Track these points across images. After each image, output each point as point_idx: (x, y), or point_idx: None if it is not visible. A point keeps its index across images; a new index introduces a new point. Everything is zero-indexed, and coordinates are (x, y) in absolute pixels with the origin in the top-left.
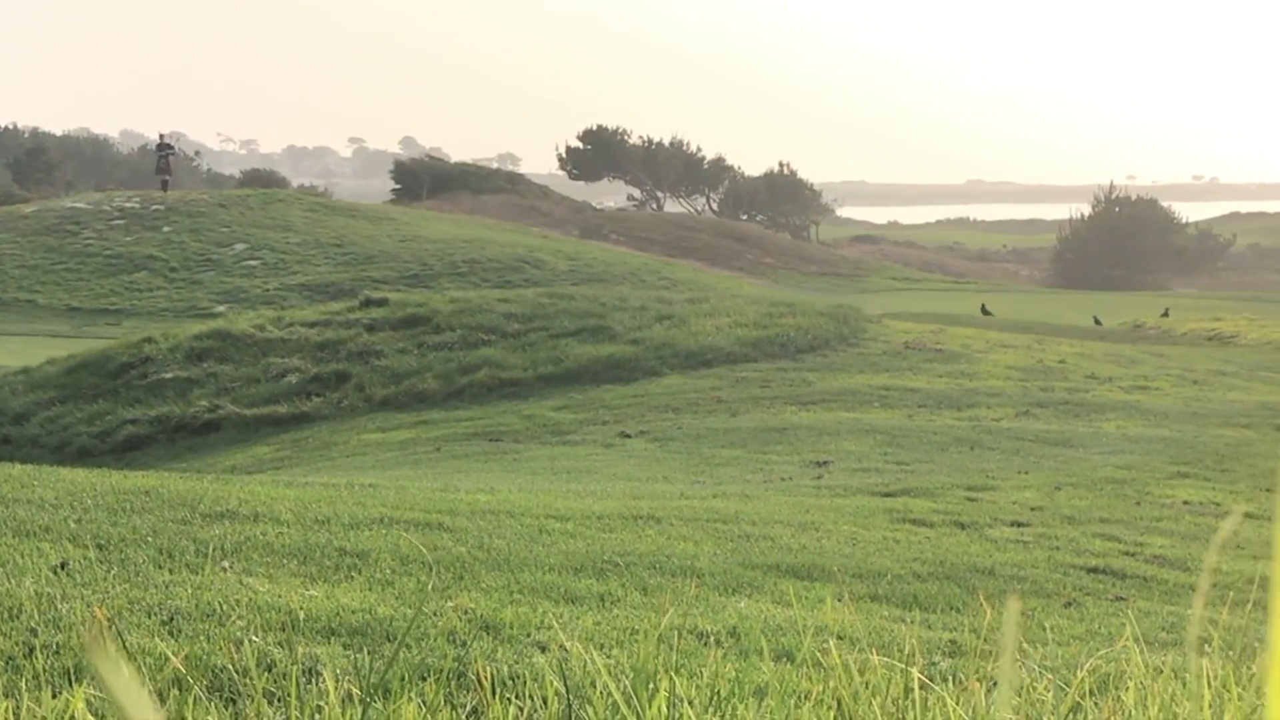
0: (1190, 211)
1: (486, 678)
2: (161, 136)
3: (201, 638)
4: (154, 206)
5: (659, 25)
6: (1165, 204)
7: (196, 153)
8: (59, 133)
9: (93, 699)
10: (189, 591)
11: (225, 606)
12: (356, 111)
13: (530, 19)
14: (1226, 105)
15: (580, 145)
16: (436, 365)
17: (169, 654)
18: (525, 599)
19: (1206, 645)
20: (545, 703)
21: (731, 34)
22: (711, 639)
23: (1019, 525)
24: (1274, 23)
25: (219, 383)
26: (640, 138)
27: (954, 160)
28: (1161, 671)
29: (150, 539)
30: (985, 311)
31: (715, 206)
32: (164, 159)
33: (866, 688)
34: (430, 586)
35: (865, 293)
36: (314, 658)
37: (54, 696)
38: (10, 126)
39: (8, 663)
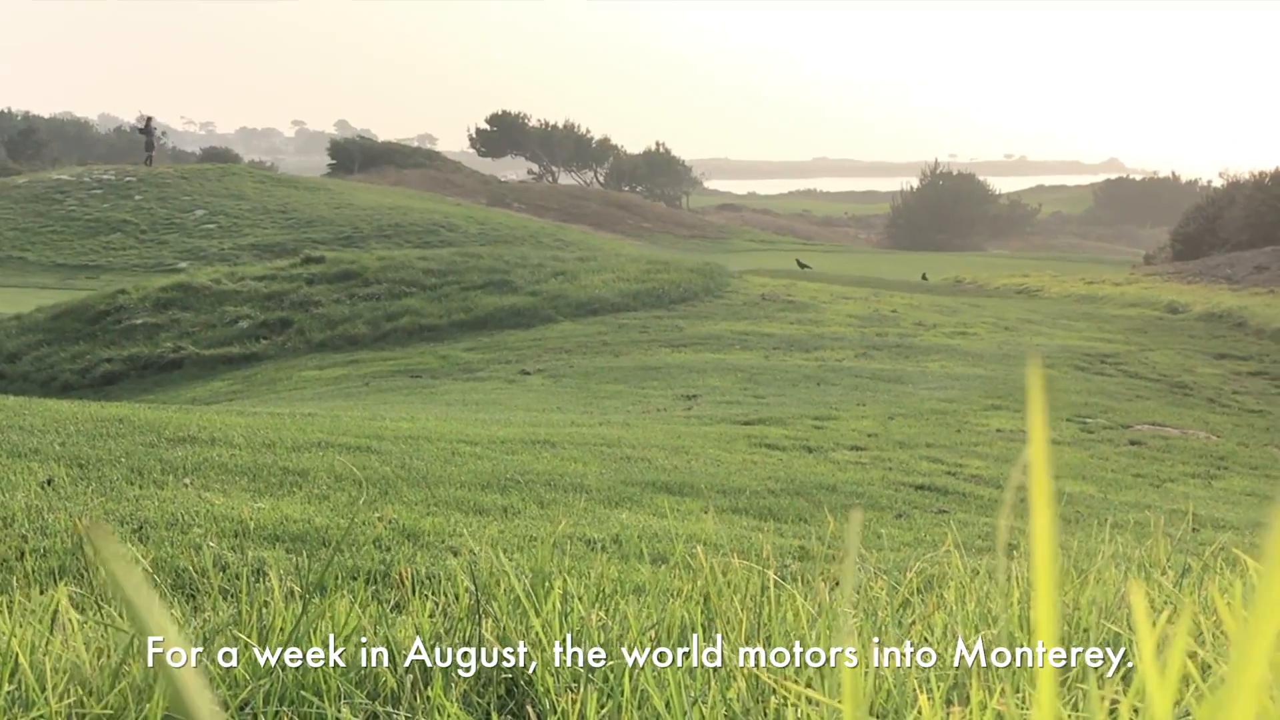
0: (1003, 184)
1: (408, 577)
2: (148, 120)
3: (166, 543)
4: (127, 178)
5: (555, 24)
6: (982, 178)
7: (163, 133)
8: (47, 115)
9: (74, 595)
10: (156, 504)
11: (186, 517)
12: (299, 98)
13: (448, 19)
14: (1034, 94)
15: (488, 127)
16: (366, 313)
17: (139, 557)
18: (440, 511)
19: (1015, 550)
20: (457, 598)
21: (616, 31)
22: (598, 545)
23: (858, 449)
24: (1074, 24)
25: (182, 328)
26: (538, 121)
27: (804, 140)
28: (978, 573)
29: (123, 459)
30: (801, 265)
31: (602, 179)
32: (150, 138)
33: (729, 586)
34: (360, 500)
35: (729, 252)
36: (261, 560)
37: (41, 593)
38: (5, 110)
39: (1, 564)
